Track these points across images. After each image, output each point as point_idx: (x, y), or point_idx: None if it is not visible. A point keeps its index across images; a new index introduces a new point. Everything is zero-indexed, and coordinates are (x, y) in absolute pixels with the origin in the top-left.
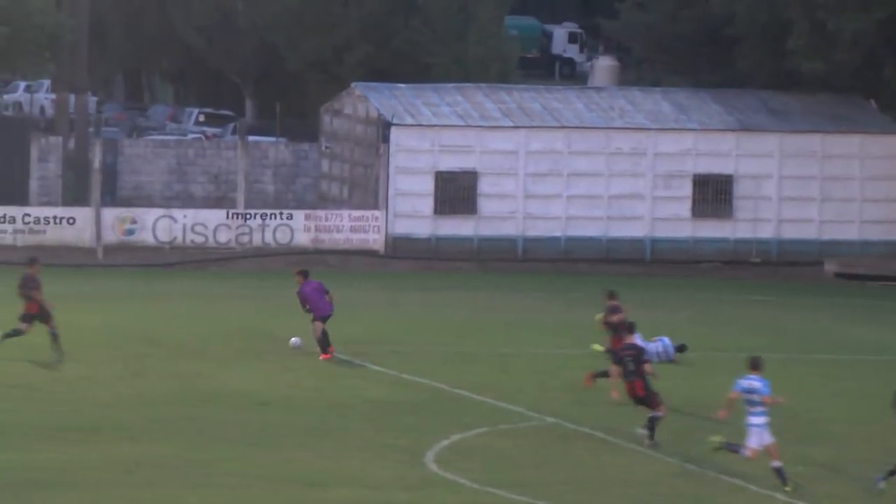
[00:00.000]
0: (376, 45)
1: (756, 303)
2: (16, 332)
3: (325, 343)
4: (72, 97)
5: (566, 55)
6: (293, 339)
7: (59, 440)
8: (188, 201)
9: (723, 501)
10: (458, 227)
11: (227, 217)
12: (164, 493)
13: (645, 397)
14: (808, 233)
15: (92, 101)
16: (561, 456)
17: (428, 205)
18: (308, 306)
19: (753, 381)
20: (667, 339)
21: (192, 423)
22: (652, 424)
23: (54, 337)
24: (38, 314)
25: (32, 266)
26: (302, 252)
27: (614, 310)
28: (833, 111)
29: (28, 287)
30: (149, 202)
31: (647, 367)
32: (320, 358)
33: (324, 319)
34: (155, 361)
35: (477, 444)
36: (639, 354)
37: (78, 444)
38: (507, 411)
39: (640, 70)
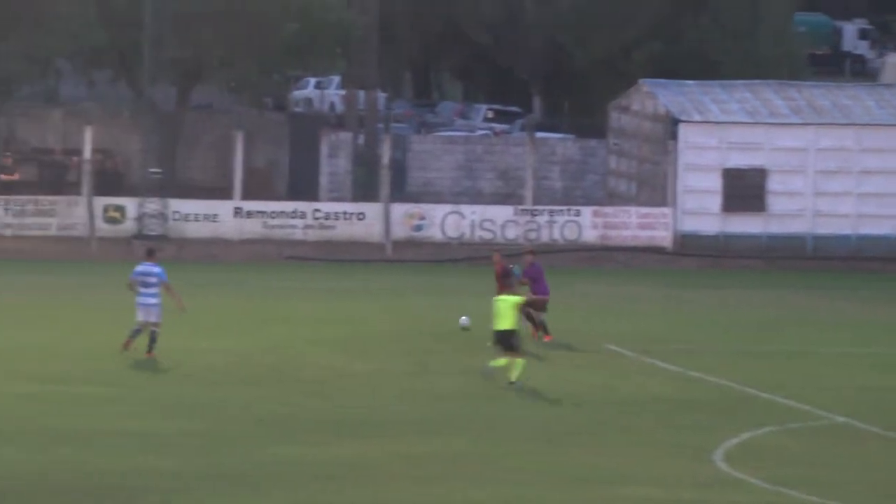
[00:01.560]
0: (665, 43)
1: None
2: (540, 323)
3: (544, 326)
4: (361, 94)
5: (856, 52)
6: (463, 318)
7: (349, 435)
8: (476, 197)
9: None
10: (746, 224)
11: (515, 213)
12: (453, 487)
13: None
14: None
15: (381, 97)
16: (852, 456)
17: (716, 202)
18: (534, 287)
19: None
20: None
21: (480, 418)
22: None
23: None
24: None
25: (534, 254)
26: (589, 249)
27: None
28: None
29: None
30: (437, 198)
31: None
32: (544, 339)
33: (545, 304)
34: (443, 356)
35: (766, 442)
36: None
37: (367, 438)
38: (796, 410)
39: None
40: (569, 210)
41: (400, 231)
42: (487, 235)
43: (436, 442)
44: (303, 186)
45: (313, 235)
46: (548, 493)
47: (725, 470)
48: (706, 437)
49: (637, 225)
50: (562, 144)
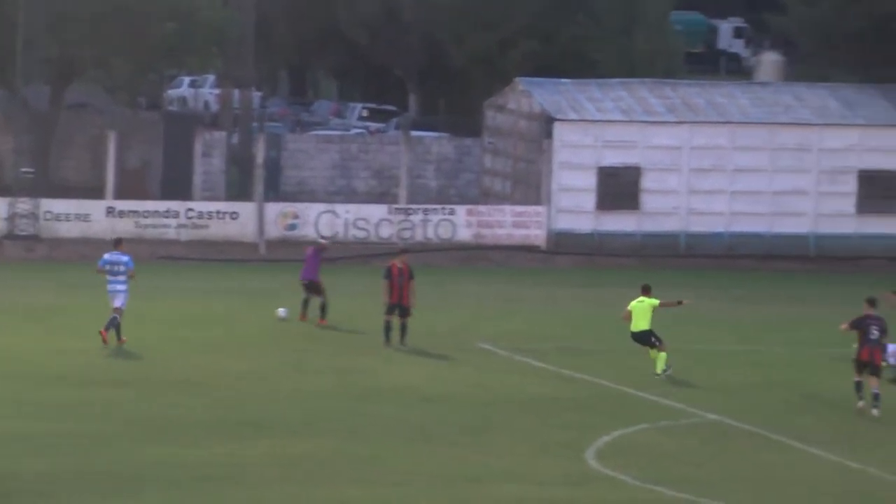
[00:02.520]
0: (542, 41)
1: None
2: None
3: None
4: (236, 92)
5: (731, 50)
6: (280, 309)
7: (223, 435)
8: (351, 196)
9: (891, 499)
10: (620, 222)
11: (390, 212)
12: (327, 488)
13: (875, 366)
14: None
15: (256, 96)
16: (722, 453)
17: (590, 200)
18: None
19: None
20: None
21: (353, 418)
22: (876, 400)
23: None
24: None
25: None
26: (463, 247)
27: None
28: None
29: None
30: (311, 197)
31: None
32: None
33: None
34: (315, 356)
35: (638, 440)
36: (883, 326)
37: (241, 439)
38: (668, 408)
39: (806, 65)
40: (443, 209)
41: (274, 230)
42: (361, 234)
43: (311, 442)
44: (177, 186)
45: (186, 235)
46: (423, 492)
47: (596, 467)
48: (578, 435)
49: (511, 224)
50: (437, 143)
